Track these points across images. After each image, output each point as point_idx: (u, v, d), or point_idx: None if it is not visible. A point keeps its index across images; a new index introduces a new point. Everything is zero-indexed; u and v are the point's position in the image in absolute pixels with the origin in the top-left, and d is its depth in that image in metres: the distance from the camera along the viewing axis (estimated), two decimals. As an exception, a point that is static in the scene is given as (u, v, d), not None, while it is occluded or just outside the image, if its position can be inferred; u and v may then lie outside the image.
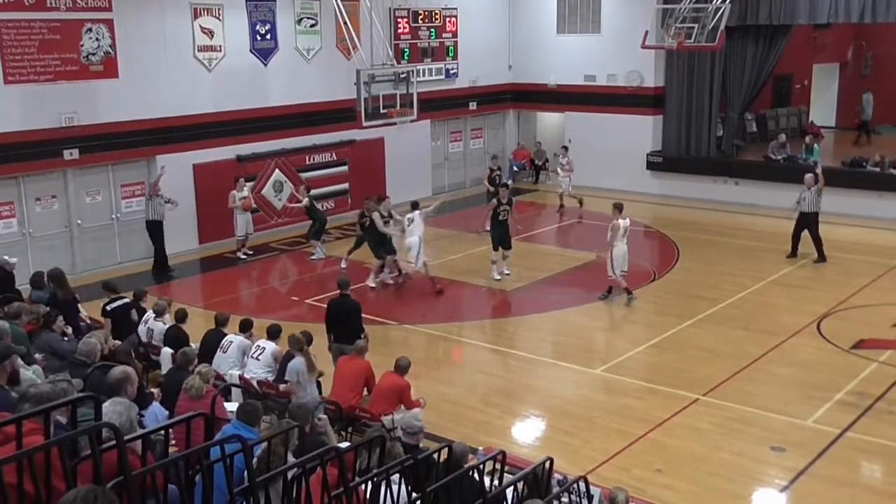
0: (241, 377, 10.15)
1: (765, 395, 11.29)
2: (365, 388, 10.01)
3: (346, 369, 10.09)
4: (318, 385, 10.37)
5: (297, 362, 9.64)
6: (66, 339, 9.77)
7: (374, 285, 15.90)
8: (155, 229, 16.99)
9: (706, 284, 15.28)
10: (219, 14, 18.61)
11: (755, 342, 13.01)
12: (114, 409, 5.15)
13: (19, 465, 3.58)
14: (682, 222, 20.49)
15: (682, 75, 23.40)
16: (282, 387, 9.76)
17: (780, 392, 11.43)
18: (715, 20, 19.22)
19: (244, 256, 18.08)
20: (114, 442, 3.95)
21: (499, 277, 16.34)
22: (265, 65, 19.55)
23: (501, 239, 16.27)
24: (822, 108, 29.48)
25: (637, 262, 17.95)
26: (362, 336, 11.00)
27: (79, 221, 16.94)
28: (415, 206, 16.17)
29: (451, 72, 23.87)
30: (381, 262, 15.90)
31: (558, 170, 22.39)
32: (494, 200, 16.34)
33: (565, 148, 22.94)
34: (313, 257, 17.98)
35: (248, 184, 18.44)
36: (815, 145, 22.47)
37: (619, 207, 15.14)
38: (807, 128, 26.55)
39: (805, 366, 12.28)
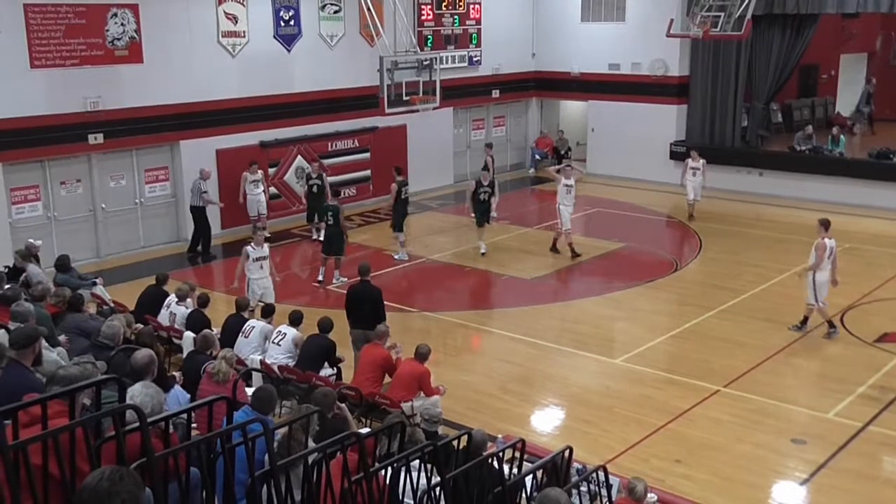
0: (262, 362, 10.22)
1: (786, 388, 11.24)
2: (386, 374, 10.05)
3: (364, 357, 10.16)
4: (339, 371, 10.43)
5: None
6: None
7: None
8: (197, 214, 17.38)
9: (729, 275, 15.17)
10: (243, 0, 18.64)
11: (777, 334, 12.93)
12: (145, 391, 5.20)
13: (44, 446, 3.62)
14: (705, 212, 20.32)
15: (707, 64, 23.20)
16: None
17: (801, 384, 11.37)
18: (741, 9, 19.00)
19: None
20: (137, 424, 3.99)
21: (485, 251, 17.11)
22: (289, 51, 19.58)
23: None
24: (849, 99, 29.10)
25: (659, 252, 17.96)
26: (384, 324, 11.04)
27: (103, 205, 17.07)
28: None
29: (475, 59, 23.79)
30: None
31: (688, 175, 19.81)
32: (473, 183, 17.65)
33: (696, 150, 20.38)
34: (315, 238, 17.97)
35: (260, 171, 18.31)
36: (842, 136, 22.24)
37: (825, 225, 12.73)
38: (832, 119, 26.27)
39: (827, 359, 12.20)
